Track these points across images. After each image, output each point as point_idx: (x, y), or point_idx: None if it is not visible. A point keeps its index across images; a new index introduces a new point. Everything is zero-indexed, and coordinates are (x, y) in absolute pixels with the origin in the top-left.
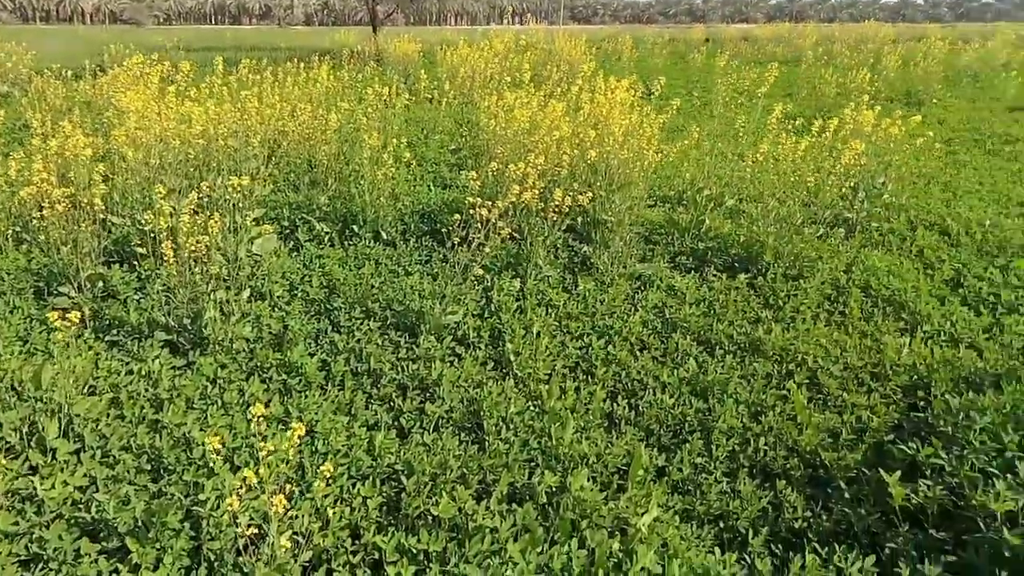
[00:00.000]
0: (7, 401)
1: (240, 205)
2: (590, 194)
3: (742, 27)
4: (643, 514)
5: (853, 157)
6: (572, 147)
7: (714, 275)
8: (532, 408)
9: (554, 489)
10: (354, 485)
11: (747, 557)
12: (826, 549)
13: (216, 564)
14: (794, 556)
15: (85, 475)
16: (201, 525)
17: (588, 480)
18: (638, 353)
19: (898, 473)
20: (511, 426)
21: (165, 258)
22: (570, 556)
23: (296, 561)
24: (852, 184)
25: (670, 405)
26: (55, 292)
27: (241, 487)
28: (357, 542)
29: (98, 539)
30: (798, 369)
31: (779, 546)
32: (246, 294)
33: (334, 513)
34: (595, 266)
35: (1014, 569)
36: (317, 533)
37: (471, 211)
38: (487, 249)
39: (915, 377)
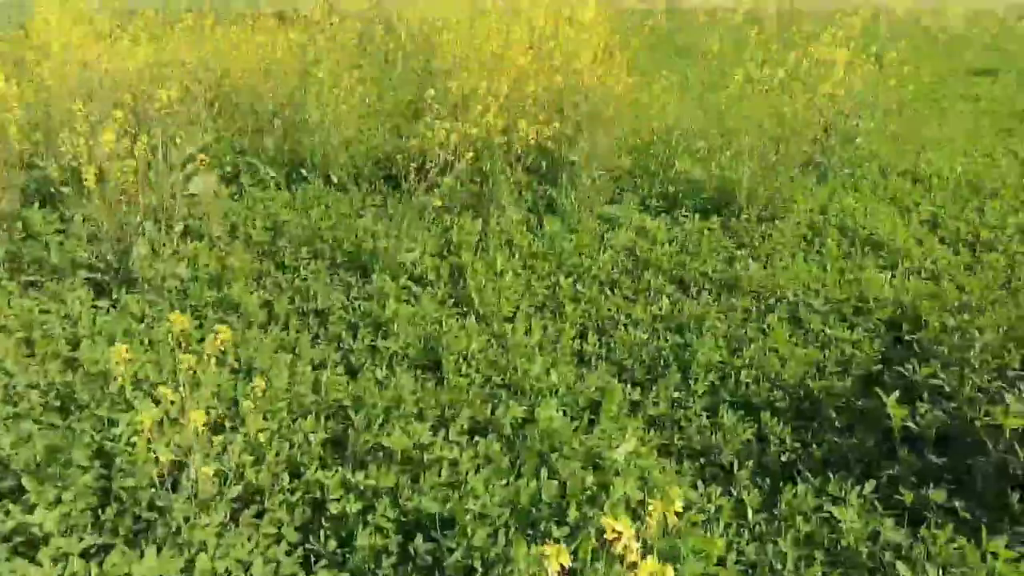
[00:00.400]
0: None
1: (176, 140)
2: (556, 124)
3: None
4: (618, 446)
5: (831, 86)
6: (537, 76)
7: (685, 215)
8: (496, 346)
9: (520, 421)
10: (295, 420)
11: (732, 491)
12: (819, 479)
13: (128, 503)
14: (784, 487)
15: None
16: (113, 462)
17: (557, 412)
18: (608, 292)
19: (896, 393)
20: (472, 363)
21: (87, 190)
22: (540, 488)
23: (222, 498)
24: (825, 125)
25: (644, 340)
26: None
27: (160, 418)
28: (296, 480)
29: None
30: (778, 304)
31: (766, 479)
32: (179, 227)
33: (269, 446)
34: (561, 208)
35: None
36: (250, 468)
37: (428, 134)
38: (447, 179)
39: (899, 311)
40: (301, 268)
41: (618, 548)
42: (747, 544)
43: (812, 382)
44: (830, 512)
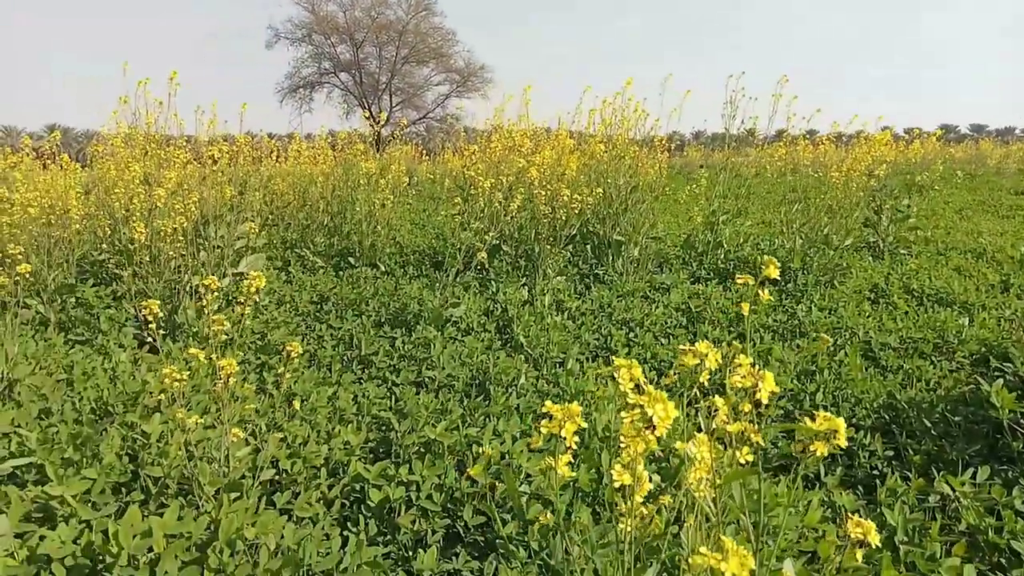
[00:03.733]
0: None
1: (228, 221)
2: (600, 190)
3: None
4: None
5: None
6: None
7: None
8: (545, 383)
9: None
10: (334, 428)
11: (824, 496)
12: (920, 479)
13: (156, 482)
14: (880, 488)
15: (12, 421)
16: (140, 455)
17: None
18: (663, 340)
19: (1000, 382)
20: (521, 392)
21: (138, 249)
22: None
23: (255, 479)
24: (875, 206)
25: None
26: (23, 305)
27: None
28: (333, 478)
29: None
30: (849, 342)
31: (858, 488)
32: (226, 281)
33: (306, 445)
34: (608, 278)
35: None
36: (285, 460)
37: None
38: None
39: (984, 349)
40: (346, 324)
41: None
42: None
43: (898, 395)
44: (940, 492)
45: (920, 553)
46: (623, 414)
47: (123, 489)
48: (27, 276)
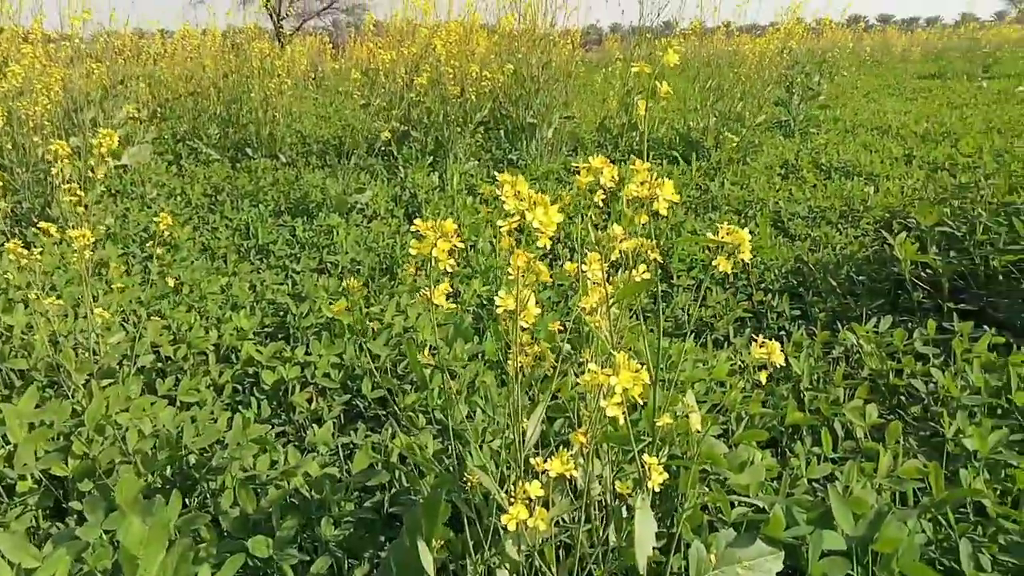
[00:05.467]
0: None
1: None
2: (511, 66)
3: None
4: None
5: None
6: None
7: (655, 163)
8: (459, 261)
9: (482, 299)
10: (225, 314)
11: (731, 355)
12: (825, 332)
13: (20, 382)
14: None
15: None
16: (2, 351)
17: None
18: (578, 220)
19: (903, 235)
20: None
21: None
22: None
23: (132, 367)
24: (787, 83)
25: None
26: None
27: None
28: (224, 364)
29: None
30: (759, 213)
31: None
32: (100, 189)
33: (191, 330)
34: (521, 163)
35: None
36: (167, 346)
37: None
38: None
39: (890, 215)
40: (242, 214)
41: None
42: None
43: (807, 258)
44: (844, 343)
45: (824, 398)
46: (500, 223)
47: None
48: None
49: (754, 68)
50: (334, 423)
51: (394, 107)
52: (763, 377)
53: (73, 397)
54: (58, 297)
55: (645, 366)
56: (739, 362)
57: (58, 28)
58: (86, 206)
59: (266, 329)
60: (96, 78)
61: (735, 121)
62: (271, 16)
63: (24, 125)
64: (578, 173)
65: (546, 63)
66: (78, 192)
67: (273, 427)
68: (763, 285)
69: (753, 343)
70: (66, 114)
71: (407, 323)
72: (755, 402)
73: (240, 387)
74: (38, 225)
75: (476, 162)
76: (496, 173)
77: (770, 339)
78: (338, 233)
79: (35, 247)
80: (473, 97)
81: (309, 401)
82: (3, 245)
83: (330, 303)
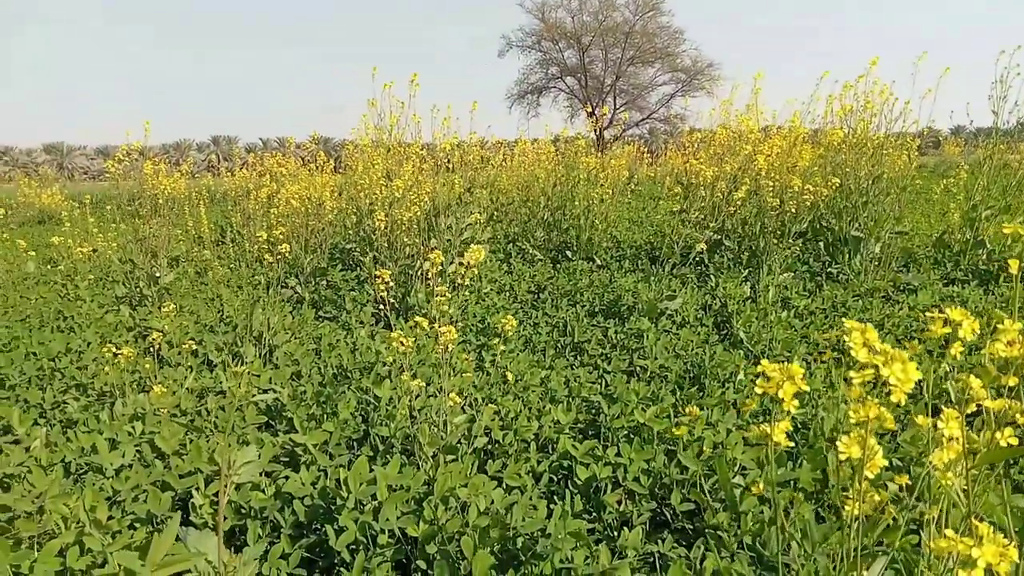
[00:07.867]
0: (220, 328)
1: (457, 215)
2: (836, 180)
3: None
4: None
5: None
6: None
7: (1008, 286)
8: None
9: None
10: (544, 406)
11: None
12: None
13: (382, 446)
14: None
15: (270, 380)
16: (370, 417)
17: None
18: (906, 344)
19: None
20: (739, 387)
21: (377, 235)
22: None
23: (470, 445)
24: None
25: None
26: (283, 285)
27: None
28: (542, 453)
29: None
30: None
31: None
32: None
33: (517, 420)
34: (842, 277)
35: None
36: (498, 431)
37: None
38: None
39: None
40: (560, 312)
41: None
42: None
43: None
44: None
45: None
46: (851, 374)
47: (355, 444)
48: (287, 257)
49: None
50: (642, 528)
51: (709, 218)
52: None
53: (422, 465)
54: (413, 376)
55: (1013, 542)
56: None
57: (418, 137)
58: (434, 285)
59: (578, 424)
60: (454, 188)
61: None
62: (595, 128)
63: (398, 228)
64: (914, 292)
65: (877, 176)
66: (446, 294)
67: (584, 520)
68: None
69: None
70: (426, 218)
71: (716, 438)
72: None
73: (554, 477)
74: (415, 319)
75: (792, 274)
76: (813, 286)
77: None
78: (648, 337)
79: (398, 331)
80: (793, 209)
81: (619, 502)
82: (375, 327)
83: (640, 407)
